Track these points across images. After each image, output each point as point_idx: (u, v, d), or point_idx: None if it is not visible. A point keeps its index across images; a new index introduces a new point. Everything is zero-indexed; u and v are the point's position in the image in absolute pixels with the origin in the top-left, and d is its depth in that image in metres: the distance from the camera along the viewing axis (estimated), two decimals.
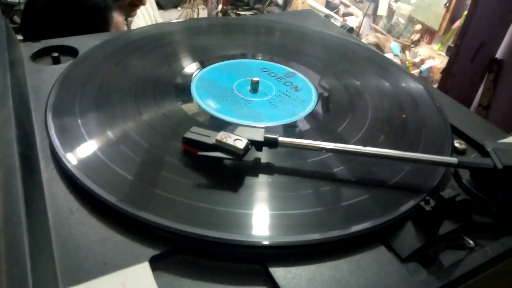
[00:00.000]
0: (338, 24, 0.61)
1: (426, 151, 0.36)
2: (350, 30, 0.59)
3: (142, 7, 1.03)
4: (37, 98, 0.41)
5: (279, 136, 0.34)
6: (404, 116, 0.43)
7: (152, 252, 0.28)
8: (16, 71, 0.41)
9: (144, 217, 0.29)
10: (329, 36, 0.59)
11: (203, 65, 0.48)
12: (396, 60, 2.00)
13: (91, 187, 0.31)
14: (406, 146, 0.39)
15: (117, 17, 0.81)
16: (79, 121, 0.37)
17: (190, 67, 0.48)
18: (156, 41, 0.52)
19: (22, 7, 1.51)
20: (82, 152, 0.34)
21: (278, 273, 0.28)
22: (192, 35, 0.57)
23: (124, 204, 0.30)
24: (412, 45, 1.99)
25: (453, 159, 0.34)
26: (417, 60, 1.94)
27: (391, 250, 0.31)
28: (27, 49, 0.49)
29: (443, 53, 1.84)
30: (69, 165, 0.33)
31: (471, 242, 0.32)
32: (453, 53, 1.48)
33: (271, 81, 0.47)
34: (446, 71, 1.52)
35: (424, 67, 1.88)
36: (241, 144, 0.33)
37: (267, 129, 0.39)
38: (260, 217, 0.31)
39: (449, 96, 0.51)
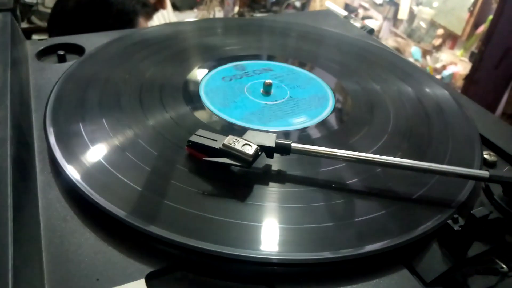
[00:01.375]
0: (358, 25, 0.58)
1: (453, 163, 0.33)
2: (371, 31, 0.56)
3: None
4: (39, 98, 0.39)
5: (292, 142, 0.32)
6: (428, 124, 0.40)
7: (148, 268, 0.26)
8: (18, 69, 0.40)
9: (141, 227, 0.27)
10: (348, 39, 0.56)
11: (213, 66, 0.46)
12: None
13: (88, 193, 0.29)
14: (431, 157, 0.36)
15: (143, 22, 0.83)
16: (80, 123, 0.35)
17: (199, 68, 0.45)
18: (164, 41, 0.50)
19: (39, 7, 1.52)
20: (81, 156, 0.32)
21: None
22: (201, 35, 0.54)
23: (120, 212, 0.27)
24: (434, 50, 1.94)
25: (484, 173, 0.31)
26: (438, 65, 1.88)
27: (414, 273, 0.28)
28: (33, 47, 0.47)
29: (466, 59, 1.78)
30: (66, 170, 0.30)
31: (504, 266, 0.29)
32: (477, 59, 1.43)
33: (283, 83, 0.44)
34: (469, 78, 1.47)
35: (445, 73, 1.82)
36: (250, 150, 0.30)
37: (279, 134, 0.37)
38: (269, 231, 0.28)
39: None
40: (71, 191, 0.30)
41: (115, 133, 0.35)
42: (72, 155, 0.32)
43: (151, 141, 0.34)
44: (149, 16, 0.85)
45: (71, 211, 0.29)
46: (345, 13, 0.65)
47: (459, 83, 1.71)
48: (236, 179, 0.32)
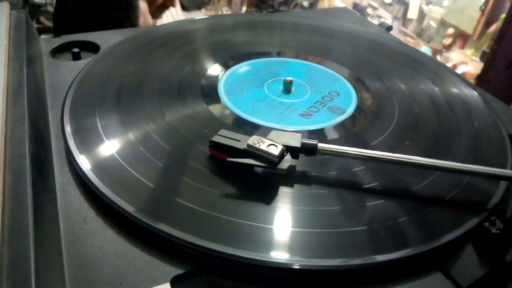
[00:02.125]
0: (376, 22, 0.56)
1: (485, 164, 0.31)
2: (389, 28, 0.55)
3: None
4: (54, 96, 0.39)
5: (318, 142, 0.30)
6: (457, 124, 0.39)
7: (174, 271, 0.25)
8: (33, 67, 0.39)
9: (166, 230, 0.26)
10: (370, 35, 0.54)
11: (231, 63, 0.45)
12: None
13: (108, 194, 0.28)
14: (461, 158, 0.35)
15: (142, 4, 0.82)
16: (98, 122, 0.34)
17: (217, 65, 0.44)
18: (180, 38, 0.49)
19: (48, 8, 1.52)
20: (100, 155, 0.31)
21: None
22: (217, 32, 0.53)
23: (144, 215, 0.26)
24: (444, 50, 1.92)
25: None
26: (449, 65, 1.86)
27: (449, 277, 0.26)
28: (47, 44, 0.47)
29: (477, 59, 1.76)
30: (85, 170, 0.30)
31: None
32: (489, 59, 1.41)
33: (305, 80, 0.43)
34: (480, 78, 1.45)
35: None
36: (275, 150, 0.29)
37: (303, 133, 0.35)
38: (295, 235, 0.27)
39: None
40: (91, 191, 0.29)
41: (136, 135, 0.34)
42: (92, 155, 0.31)
43: (167, 139, 0.33)
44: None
45: (92, 211, 0.28)
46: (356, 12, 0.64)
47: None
48: (259, 181, 0.31)
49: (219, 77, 0.42)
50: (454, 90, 0.44)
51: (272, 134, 0.31)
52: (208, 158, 0.32)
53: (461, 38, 1.85)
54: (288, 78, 0.40)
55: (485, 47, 1.70)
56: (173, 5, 1.04)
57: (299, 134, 0.31)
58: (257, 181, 0.30)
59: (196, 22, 0.55)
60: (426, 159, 0.30)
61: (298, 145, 0.30)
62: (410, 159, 0.30)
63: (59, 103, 0.37)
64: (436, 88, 0.44)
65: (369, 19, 0.59)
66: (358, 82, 0.44)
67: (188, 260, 0.25)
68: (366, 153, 0.30)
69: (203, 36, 0.52)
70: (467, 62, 1.81)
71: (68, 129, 0.33)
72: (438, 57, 1.92)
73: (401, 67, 0.48)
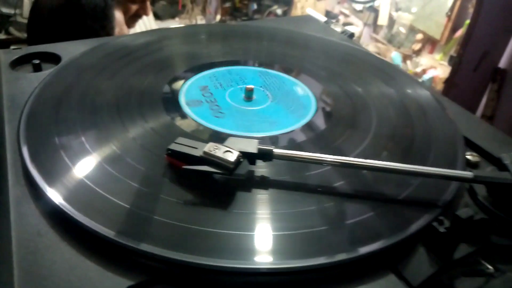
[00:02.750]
0: (339, 30, 0.58)
1: (436, 165, 0.32)
2: (351, 36, 0.56)
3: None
4: (12, 108, 0.38)
5: (274, 147, 0.31)
6: (412, 126, 0.40)
7: (127, 282, 0.25)
8: None
9: (118, 240, 0.26)
10: (329, 42, 0.55)
11: (192, 74, 0.45)
12: None
13: (62, 207, 0.28)
14: (415, 159, 0.36)
15: (118, 14, 0.82)
16: (55, 135, 0.34)
17: (179, 75, 0.44)
18: (142, 49, 0.49)
19: (18, 18, 1.49)
20: (56, 169, 0.31)
21: None
22: (181, 42, 0.53)
23: (95, 225, 0.26)
24: (413, 55, 1.97)
25: (468, 173, 0.30)
26: (418, 70, 1.91)
27: (401, 277, 0.27)
28: (6, 56, 0.46)
29: (445, 63, 1.81)
30: (39, 182, 0.29)
31: (490, 267, 0.28)
32: (456, 63, 1.45)
33: (265, 88, 0.43)
34: (449, 81, 1.50)
35: (425, 77, 1.85)
36: (231, 157, 0.29)
37: (265, 139, 0.36)
38: (255, 239, 0.27)
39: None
40: (45, 204, 0.28)
41: (92, 145, 0.34)
42: (47, 169, 0.31)
43: (129, 151, 0.33)
44: (121, 7, 0.84)
45: (46, 224, 0.28)
46: (325, 19, 0.65)
47: (439, 86, 1.73)
48: (218, 187, 0.31)
49: (180, 88, 0.42)
50: (409, 92, 0.46)
51: (229, 141, 0.31)
52: (166, 167, 0.32)
53: (430, 43, 1.90)
54: (250, 86, 0.41)
55: (452, 51, 1.75)
56: (146, 13, 1.04)
57: (256, 140, 0.32)
58: (215, 187, 0.31)
59: (159, 33, 0.55)
60: (378, 161, 0.31)
61: (254, 151, 0.31)
62: (363, 163, 0.31)
63: (17, 116, 0.36)
64: (392, 90, 0.45)
65: (332, 26, 0.61)
66: (316, 87, 0.45)
67: (142, 270, 0.25)
68: (321, 157, 0.31)
69: (165, 46, 0.52)
70: (436, 67, 1.86)
71: (23, 142, 0.33)
72: (408, 62, 1.97)
73: (359, 72, 0.49)
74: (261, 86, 0.44)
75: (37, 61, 0.45)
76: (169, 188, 0.30)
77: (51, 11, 0.76)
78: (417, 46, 1.94)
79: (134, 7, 1.01)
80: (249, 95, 0.41)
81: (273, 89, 0.43)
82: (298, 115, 0.40)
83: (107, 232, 0.26)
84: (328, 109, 0.42)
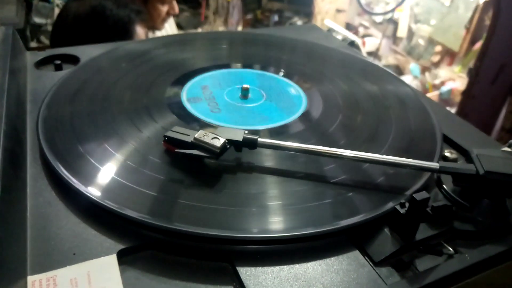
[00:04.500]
0: (340, 37, 0.61)
1: (413, 157, 0.35)
2: (351, 43, 0.60)
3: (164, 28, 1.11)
4: (34, 101, 0.43)
5: (259, 137, 0.35)
6: (392, 120, 0.43)
7: (121, 245, 0.29)
8: (16, 76, 0.44)
9: (113, 208, 0.30)
10: (326, 48, 0.59)
11: (194, 75, 0.49)
12: (416, 82, 1.98)
13: (68, 178, 0.32)
14: (393, 151, 0.39)
15: (140, 30, 0.87)
16: (68, 124, 0.39)
17: (182, 78, 0.49)
18: (150, 52, 0.54)
19: (48, 27, 1.58)
20: (65, 150, 0.36)
21: (245, 271, 0.28)
22: (188, 48, 0.58)
23: (96, 196, 0.31)
24: (432, 67, 1.97)
25: (435, 164, 0.33)
26: (437, 82, 1.91)
27: (366, 254, 0.30)
28: (32, 57, 0.51)
29: (464, 75, 1.81)
30: (51, 160, 0.34)
31: (451, 249, 0.31)
32: (473, 75, 1.45)
33: (260, 88, 0.47)
34: (466, 93, 1.49)
35: (444, 89, 1.85)
36: (218, 143, 0.33)
37: (261, 131, 0.40)
38: (231, 212, 0.31)
39: (469, 119, 0.50)
40: (55, 178, 0.33)
41: (96, 129, 0.38)
42: (58, 150, 0.35)
43: (129, 134, 0.38)
44: (145, 23, 0.88)
45: (56, 197, 0.32)
46: (344, 31, 0.69)
47: (458, 98, 1.73)
48: (206, 169, 0.35)
49: (183, 88, 0.46)
50: (391, 88, 0.50)
51: (219, 130, 0.35)
52: (163, 152, 0.36)
53: (449, 55, 1.90)
54: (245, 85, 0.45)
55: (471, 64, 1.75)
56: (175, 12, 1.11)
57: (243, 130, 0.35)
58: (203, 170, 0.35)
59: (168, 39, 0.60)
60: (354, 152, 0.34)
61: (240, 139, 0.34)
62: (337, 152, 0.34)
63: (37, 108, 0.41)
64: (375, 87, 0.49)
65: (333, 34, 0.64)
66: (307, 86, 0.49)
67: (134, 237, 0.29)
68: (300, 146, 0.34)
69: (172, 51, 0.56)
70: (454, 79, 1.85)
71: (41, 130, 0.38)
72: (427, 74, 1.98)
73: (347, 72, 0.53)
74: (257, 86, 0.47)
75: (58, 62, 0.50)
76: (161, 169, 0.34)
77: (75, 17, 0.81)
78: (436, 58, 1.94)
79: (164, 9, 1.08)
80: (245, 93, 0.45)
81: (268, 89, 0.47)
82: (289, 112, 0.43)
83: (107, 202, 0.30)
84: (316, 107, 0.45)
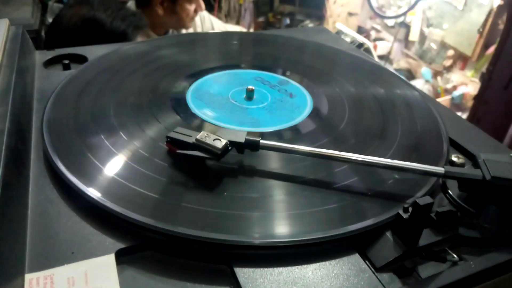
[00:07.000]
0: (348, 40, 0.61)
1: (419, 162, 0.34)
2: (360, 46, 0.59)
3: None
4: (40, 100, 0.43)
5: (261, 139, 0.34)
6: (398, 124, 0.43)
7: (119, 245, 0.29)
8: (24, 74, 0.44)
9: (114, 209, 0.30)
10: (325, 48, 0.59)
11: (197, 76, 0.49)
12: (427, 86, 1.96)
13: (70, 178, 0.32)
14: (398, 155, 0.38)
15: (142, 38, 0.84)
16: (74, 121, 0.39)
17: (185, 78, 0.48)
18: (154, 53, 0.54)
19: None
20: (69, 149, 0.36)
21: (243, 274, 0.28)
22: (191, 48, 0.58)
23: (97, 196, 0.31)
24: (444, 71, 1.95)
25: (440, 169, 0.33)
26: (449, 86, 1.89)
27: (367, 259, 0.30)
28: (41, 56, 0.52)
29: (477, 80, 1.79)
30: (54, 159, 0.34)
31: (455, 256, 0.30)
32: (486, 80, 1.43)
33: (266, 89, 0.47)
34: (478, 98, 1.47)
35: (456, 93, 1.83)
36: (219, 144, 0.33)
37: (264, 134, 0.39)
38: (231, 216, 0.31)
39: (481, 124, 0.49)
40: (57, 177, 0.33)
41: (99, 129, 0.38)
42: (60, 148, 0.36)
43: (132, 134, 0.38)
44: (146, 32, 0.85)
45: (58, 196, 0.32)
46: (354, 34, 0.68)
47: (470, 103, 1.70)
48: (208, 172, 0.35)
49: (187, 88, 0.46)
50: (398, 92, 0.49)
51: (220, 131, 0.35)
52: (165, 153, 0.36)
53: (461, 59, 1.88)
54: (250, 87, 0.45)
55: (484, 68, 1.73)
56: (201, 9, 1.12)
57: (245, 131, 0.35)
58: (204, 172, 0.34)
59: (173, 39, 0.60)
60: (359, 155, 0.33)
61: (242, 140, 0.34)
62: (341, 155, 0.34)
63: (43, 106, 0.41)
64: (382, 90, 0.48)
65: (342, 37, 0.64)
66: (312, 87, 0.48)
67: (133, 237, 0.29)
68: (303, 149, 0.34)
69: (176, 52, 0.56)
70: (467, 83, 1.83)
71: (45, 127, 0.38)
72: (439, 78, 1.95)
73: (354, 75, 0.52)
74: (262, 88, 0.47)
75: (66, 61, 0.50)
76: (164, 171, 0.34)
77: (66, 28, 0.78)
78: (448, 62, 1.92)
79: (192, 8, 1.09)
80: (250, 95, 0.45)
81: (273, 91, 0.47)
82: (293, 114, 0.43)
83: (108, 203, 0.30)
84: (322, 108, 0.44)
